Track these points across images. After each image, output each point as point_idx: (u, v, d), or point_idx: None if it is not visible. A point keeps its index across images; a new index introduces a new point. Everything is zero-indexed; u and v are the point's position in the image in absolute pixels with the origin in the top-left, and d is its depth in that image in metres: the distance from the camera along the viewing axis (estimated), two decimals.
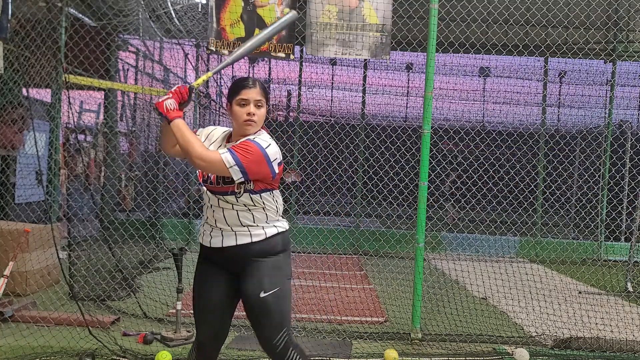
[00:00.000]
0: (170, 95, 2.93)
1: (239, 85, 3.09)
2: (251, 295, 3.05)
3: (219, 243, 3.09)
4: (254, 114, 3.04)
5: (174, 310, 5.47)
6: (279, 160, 3.07)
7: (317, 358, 4.87)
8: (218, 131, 3.24)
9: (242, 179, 2.94)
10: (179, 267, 5.26)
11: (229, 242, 3.07)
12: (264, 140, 3.03)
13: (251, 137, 3.04)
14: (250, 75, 14.57)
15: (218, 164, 2.90)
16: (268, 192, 3.08)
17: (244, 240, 3.06)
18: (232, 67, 15.19)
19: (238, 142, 3.04)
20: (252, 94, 3.05)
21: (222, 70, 15.93)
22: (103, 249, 7.41)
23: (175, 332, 5.20)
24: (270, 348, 3.08)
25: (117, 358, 4.71)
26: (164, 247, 9.45)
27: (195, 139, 2.92)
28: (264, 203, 3.08)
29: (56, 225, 7.00)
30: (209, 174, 3.04)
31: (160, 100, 2.93)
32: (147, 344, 5.09)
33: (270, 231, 3.11)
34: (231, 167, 2.90)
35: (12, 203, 9.17)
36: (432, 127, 5.50)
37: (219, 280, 3.15)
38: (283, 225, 3.20)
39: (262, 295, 3.03)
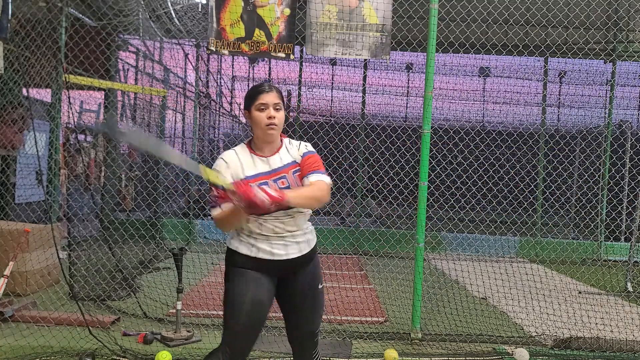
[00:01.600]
0: (255, 193, 2.71)
1: (256, 91, 3.09)
2: (312, 286, 3.18)
3: (283, 255, 3.07)
4: (274, 117, 3.04)
5: (174, 310, 5.47)
6: None
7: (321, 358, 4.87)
8: (231, 156, 3.08)
9: None
10: (179, 267, 5.26)
11: (293, 252, 3.10)
12: (310, 145, 3.18)
13: (303, 146, 3.13)
14: (251, 75, 14.58)
15: (329, 190, 3.04)
16: None
17: (306, 249, 3.15)
18: (232, 68, 15.21)
19: (302, 155, 3.09)
20: (270, 97, 3.05)
21: (222, 70, 15.89)
22: (103, 249, 7.41)
23: (175, 332, 5.20)
24: (313, 337, 3.28)
25: (117, 358, 4.71)
26: (164, 247, 9.46)
27: (309, 190, 2.96)
28: None
29: (56, 225, 7.00)
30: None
31: (255, 198, 2.68)
32: (147, 344, 5.09)
33: (314, 232, 3.27)
34: (329, 184, 3.07)
35: (12, 203, 9.18)
36: (432, 127, 5.51)
37: (265, 281, 3.07)
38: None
39: (320, 287, 3.22)
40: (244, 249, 3.07)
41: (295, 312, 3.20)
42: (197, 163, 2.88)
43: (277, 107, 3.06)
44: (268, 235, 3.04)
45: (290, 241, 3.08)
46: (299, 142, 3.17)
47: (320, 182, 3.01)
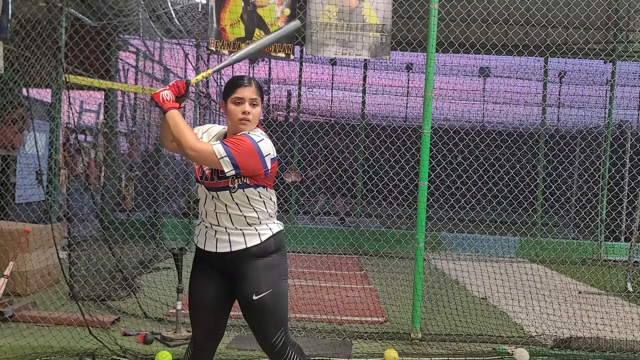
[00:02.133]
0: (168, 87, 2.98)
1: (234, 83, 3.10)
2: (246, 297, 3.06)
3: (213, 248, 3.09)
4: (249, 113, 3.04)
5: (174, 310, 5.47)
6: (273, 156, 3.06)
7: (317, 358, 4.88)
8: (215, 129, 3.25)
9: (234, 172, 2.93)
10: (179, 267, 5.27)
11: (223, 247, 3.07)
12: (257, 135, 3.06)
13: (245, 132, 3.06)
14: (251, 75, 14.58)
15: (209, 155, 2.90)
16: (263, 189, 3.07)
17: (238, 246, 3.05)
18: (233, 67, 15.19)
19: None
20: (248, 92, 3.05)
21: (223, 70, 15.99)
22: (103, 249, 7.41)
23: (175, 332, 5.20)
24: (269, 348, 3.12)
25: (117, 358, 4.71)
26: (164, 247, 9.46)
27: (188, 129, 2.92)
28: (258, 201, 3.06)
29: (56, 225, 6.99)
30: (204, 170, 3.06)
31: (157, 91, 2.97)
32: (147, 344, 5.09)
33: (264, 234, 3.09)
34: (222, 157, 2.90)
35: (12, 203, 9.18)
36: (432, 127, 5.51)
37: (214, 280, 3.15)
38: (277, 226, 3.17)
39: (256, 297, 3.03)
40: (195, 238, 3.22)
41: (245, 319, 3.20)
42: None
43: (254, 103, 3.07)
44: (207, 226, 3.12)
45: (222, 237, 3.07)
46: (261, 133, 3.11)
47: (209, 144, 2.95)
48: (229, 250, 3.06)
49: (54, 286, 6.92)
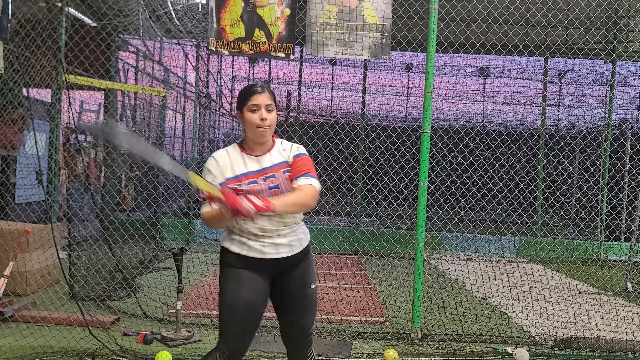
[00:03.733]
0: (240, 200, 2.76)
1: (248, 92, 3.10)
2: (304, 286, 3.18)
3: (274, 254, 3.08)
4: (266, 119, 3.05)
5: (174, 310, 5.47)
6: None
7: (317, 358, 4.87)
8: (222, 155, 3.12)
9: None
10: (179, 267, 5.26)
11: (286, 252, 3.11)
12: (302, 147, 3.20)
13: (295, 148, 3.15)
14: (251, 75, 14.57)
15: (317, 194, 3.09)
16: None
17: (299, 248, 3.16)
18: (232, 68, 15.21)
19: (293, 157, 3.11)
20: (263, 98, 3.06)
21: (223, 70, 15.88)
22: (103, 249, 7.41)
23: (175, 332, 5.20)
24: (306, 336, 3.25)
25: (118, 358, 4.71)
26: (164, 247, 9.45)
27: (296, 197, 3.00)
28: None
29: (56, 225, 7.00)
30: (259, 188, 3.06)
31: (241, 207, 2.74)
32: (147, 344, 5.10)
33: (307, 232, 3.26)
34: (319, 187, 3.11)
35: (12, 203, 9.18)
36: (432, 127, 5.51)
37: (262, 285, 3.10)
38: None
39: (313, 286, 3.22)
40: (235, 248, 3.09)
41: (288, 311, 3.20)
42: (186, 169, 2.89)
43: (269, 109, 3.08)
44: (258, 234, 3.06)
45: (280, 240, 3.08)
46: (291, 143, 3.20)
47: (307, 186, 3.04)
48: (291, 253, 3.12)
49: (54, 286, 6.92)
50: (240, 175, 3.05)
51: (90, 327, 4.99)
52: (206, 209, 2.98)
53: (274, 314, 3.28)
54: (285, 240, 3.10)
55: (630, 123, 12.22)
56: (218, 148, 16.42)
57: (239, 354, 3.08)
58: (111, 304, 6.33)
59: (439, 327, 5.79)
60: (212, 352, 3.10)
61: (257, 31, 5.94)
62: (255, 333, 3.18)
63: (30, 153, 9.42)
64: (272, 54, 6.04)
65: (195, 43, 12.00)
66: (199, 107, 13.17)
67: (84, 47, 7.14)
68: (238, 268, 3.08)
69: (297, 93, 13.28)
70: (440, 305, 6.59)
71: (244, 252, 3.07)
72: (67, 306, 6.02)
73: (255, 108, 3.05)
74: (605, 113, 13.16)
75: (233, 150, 3.15)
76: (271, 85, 13.91)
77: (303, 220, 3.26)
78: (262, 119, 3.04)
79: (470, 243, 10.83)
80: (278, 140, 3.19)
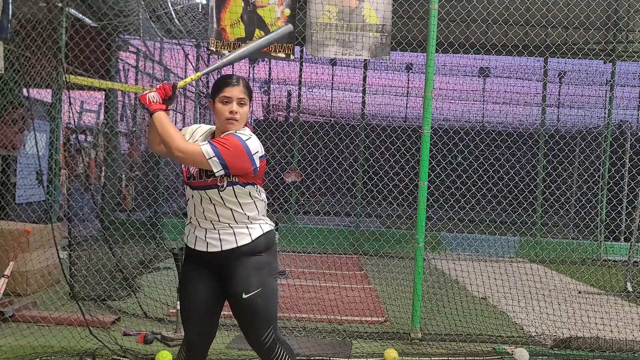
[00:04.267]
0: (155, 90, 2.99)
1: (222, 82, 3.10)
2: (236, 295, 3.07)
3: (204, 247, 3.09)
4: (236, 112, 3.05)
5: (174, 310, 5.48)
6: (261, 155, 3.08)
7: (317, 358, 4.88)
8: (202, 129, 3.26)
9: (223, 172, 2.94)
10: (179, 267, 5.25)
11: (214, 247, 3.07)
12: (245, 134, 3.07)
13: (232, 132, 3.08)
14: (250, 75, 14.58)
15: (197, 156, 2.92)
16: (252, 187, 3.09)
17: (229, 245, 3.06)
18: (233, 68, 15.19)
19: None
20: (235, 91, 3.06)
21: (222, 71, 15.89)
22: (103, 249, 7.41)
23: (175, 332, 5.21)
24: (258, 345, 3.13)
25: (118, 358, 4.72)
26: (164, 247, 9.46)
27: (175, 131, 2.94)
28: (247, 199, 3.07)
29: (56, 225, 7.00)
30: (192, 171, 3.05)
31: (144, 93, 2.98)
32: (148, 344, 5.10)
33: (255, 233, 3.11)
34: (210, 158, 2.91)
35: (13, 203, 9.18)
36: (432, 127, 5.51)
37: (205, 279, 3.14)
38: (267, 225, 3.19)
39: (245, 296, 3.05)
40: (185, 238, 3.21)
41: (235, 317, 3.19)
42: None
43: (242, 102, 3.08)
44: (196, 226, 3.12)
45: (212, 235, 3.07)
46: (249, 133, 3.13)
47: (193, 144, 2.99)
48: (219, 249, 3.06)
49: (54, 286, 6.92)
50: None
51: (90, 327, 4.99)
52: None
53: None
54: (216, 236, 3.07)
55: (630, 123, 12.23)
56: None
57: (197, 345, 3.17)
58: (111, 304, 6.33)
59: (439, 327, 5.79)
60: (181, 345, 3.26)
61: (257, 31, 5.95)
62: (213, 327, 3.21)
63: (31, 153, 9.43)
64: (272, 54, 6.04)
65: (195, 43, 12.01)
66: (199, 107, 13.17)
67: (84, 47, 7.15)
68: (187, 261, 3.23)
69: (297, 93, 13.28)
70: (440, 305, 6.59)
71: (188, 243, 3.19)
72: (67, 306, 6.02)
73: (226, 100, 3.05)
74: (605, 113, 13.16)
75: (206, 131, 3.23)
76: (271, 86, 13.93)
77: (259, 222, 3.14)
78: (231, 112, 3.04)
79: (470, 243, 10.83)
80: (243, 130, 3.12)
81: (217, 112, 3.08)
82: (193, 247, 3.14)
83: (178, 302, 5.19)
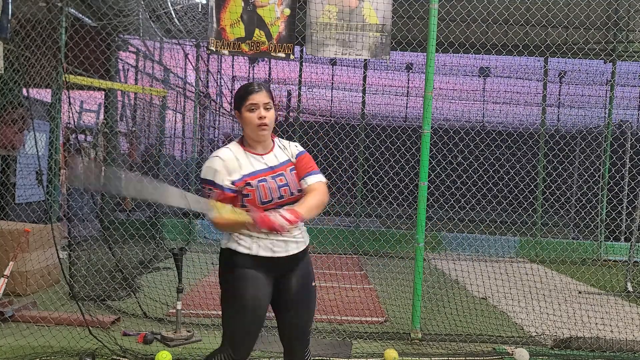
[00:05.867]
0: (265, 223, 2.86)
1: (245, 91, 3.09)
2: (305, 283, 3.18)
3: (283, 252, 3.08)
4: (265, 117, 3.05)
5: (174, 310, 5.47)
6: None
7: (317, 358, 4.88)
8: (226, 153, 3.08)
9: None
10: (179, 267, 5.26)
11: (294, 249, 3.11)
12: (300, 145, 3.27)
13: (294, 146, 3.23)
14: (250, 75, 14.57)
15: (327, 188, 3.18)
16: None
17: (304, 245, 3.18)
18: (232, 68, 15.21)
19: (296, 155, 3.18)
20: (260, 97, 3.06)
21: (222, 70, 15.90)
22: (103, 249, 7.41)
23: (175, 332, 5.20)
24: (305, 335, 3.24)
25: (118, 358, 4.71)
26: (164, 247, 9.45)
27: (316, 199, 3.06)
28: None
29: (56, 225, 6.99)
30: (279, 193, 3.05)
31: (275, 225, 2.85)
32: (147, 344, 5.10)
33: (305, 229, 3.27)
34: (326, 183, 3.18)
35: (12, 203, 9.17)
36: (432, 127, 5.51)
37: (268, 294, 3.12)
38: None
39: (313, 284, 3.24)
40: (243, 249, 3.04)
41: (288, 309, 3.19)
42: (206, 200, 2.95)
43: (268, 107, 3.07)
44: (267, 232, 3.00)
45: (288, 237, 3.08)
46: (288, 142, 3.26)
47: (320, 184, 3.12)
48: (297, 250, 3.13)
49: (54, 286, 6.92)
50: (250, 174, 3.02)
51: (90, 327, 4.99)
52: (216, 214, 2.89)
53: (272, 314, 3.27)
54: (293, 237, 3.10)
55: (630, 123, 12.22)
56: (218, 148, 16.48)
57: (244, 355, 3.09)
58: (111, 304, 6.33)
59: (439, 327, 5.79)
60: (215, 352, 3.11)
61: (257, 31, 5.94)
62: (259, 333, 3.18)
63: (30, 153, 9.42)
64: (272, 54, 6.04)
65: (195, 43, 12.01)
66: (199, 107, 13.17)
67: (84, 47, 7.14)
68: (245, 268, 3.04)
69: (297, 93, 13.27)
70: (440, 305, 6.59)
71: (252, 252, 3.03)
72: (67, 306, 6.02)
73: (253, 107, 3.04)
74: (605, 113, 13.16)
75: (237, 148, 3.11)
76: (271, 86, 13.92)
77: None
78: (260, 118, 3.04)
79: (470, 243, 10.83)
80: (277, 139, 3.22)
81: (246, 120, 3.06)
82: (267, 255, 3.05)
83: (178, 302, 5.21)
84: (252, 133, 3.07)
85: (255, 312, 3.04)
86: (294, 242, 3.11)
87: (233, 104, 3.14)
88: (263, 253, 3.05)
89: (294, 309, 3.19)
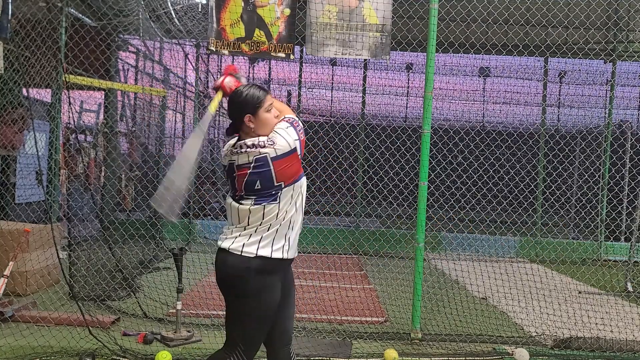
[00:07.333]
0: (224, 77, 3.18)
1: (261, 94, 3.07)
2: (293, 283, 3.27)
3: (295, 253, 3.14)
4: (279, 114, 3.14)
5: (174, 310, 5.47)
6: None
7: (317, 358, 4.88)
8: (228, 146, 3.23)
9: None
10: (179, 267, 5.26)
11: (297, 250, 3.18)
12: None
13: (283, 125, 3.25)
14: (250, 75, 14.57)
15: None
16: None
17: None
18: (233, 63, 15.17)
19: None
20: (270, 97, 3.13)
21: (222, 70, 15.90)
22: (103, 249, 7.41)
23: (175, 332, 5.20)
24: (290, 333, 3.28)
25: (117, 358, 4.71)
26: (164, 247, 9.45)
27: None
28: None
29: (56, 225, 6.99)
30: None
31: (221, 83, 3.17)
32: (147, 344, 5.10)
33: None
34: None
35: (12, 203, 9.17)
36: (432, 127, 5.51)
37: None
38: None
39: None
40: (277, 254, 3.00)
41: (287, 306, 3.20)
42: (207, 113, 3.25)
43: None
44: (296, 232, 3.13)
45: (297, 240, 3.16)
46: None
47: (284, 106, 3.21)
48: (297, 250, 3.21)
49: (54, 286, 6.92)
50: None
51: (90, 327, 4.99)
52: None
53: None
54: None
55: (630, 123, 12.22)
56: (218, 148, 16.47)
57: (254, 356, 3.13)
58: (111, 304, 6.33)
59: (439, 327, 5.78)
60: (222, 355, 3.07)
61: (257, 31, 5.95)
62: None
63: (30, 153, 9.41)
64: (272, 54, 6.04)
65: (195, 43, 12.00)
66: (199, 107, 13.16)
67: (84, 47, 7.14)
68: (273, 275, 3.01)
69: (297, 93, 13.27)
70: (440, 305, 6.59)
71: (283, 256, 3.02)
72: (67, 306, 6.02)
73: (270, 108, 3.08)
74: (605, 113, 13.16)
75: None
76: (271, 86, 13.93)
77: None
78: (277, 116, 3.11)
79: (470, 243, 10.82)
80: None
81: (265, 121, 3.04)
82: (289, 257, 3.09)
83: (178, 302, 5.21)
84: (270, 131, 3.08)
85: (271, 319, 3.08)
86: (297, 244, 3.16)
87: (243, 109, 3.03)
88: (291, 255, 3.08)
89: (290, 305, 3.23)
